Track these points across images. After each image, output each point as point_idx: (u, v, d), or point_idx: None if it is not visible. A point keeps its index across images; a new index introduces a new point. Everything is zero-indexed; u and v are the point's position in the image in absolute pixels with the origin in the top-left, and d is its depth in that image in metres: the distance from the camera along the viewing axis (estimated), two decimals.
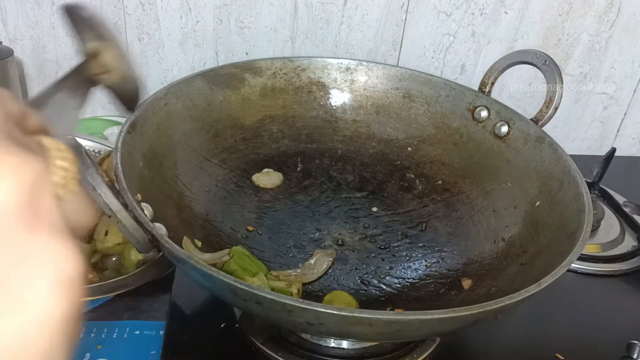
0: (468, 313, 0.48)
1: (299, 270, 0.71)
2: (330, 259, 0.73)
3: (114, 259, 0.73)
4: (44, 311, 0.17)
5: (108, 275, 0.71)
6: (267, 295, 0.46)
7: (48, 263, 0.17)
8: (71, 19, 0.36)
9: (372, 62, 0.91)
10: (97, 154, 0.80)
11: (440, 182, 0.85)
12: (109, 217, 0.52)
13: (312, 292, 0.69)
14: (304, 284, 0.70)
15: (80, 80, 0.47)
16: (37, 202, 0.17)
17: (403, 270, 0.74)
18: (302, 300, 0.46)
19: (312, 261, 0.72)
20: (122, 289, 0.69)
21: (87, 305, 0.66)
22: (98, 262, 0.72)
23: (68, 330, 0.18)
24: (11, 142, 0.18)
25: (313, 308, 0.45)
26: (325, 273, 0.72)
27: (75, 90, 0.43)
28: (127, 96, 0.58)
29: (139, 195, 0.60)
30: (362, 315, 0.45)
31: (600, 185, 1.00)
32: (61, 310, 0.18)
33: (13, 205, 0.17)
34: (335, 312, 0.45)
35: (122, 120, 0.77)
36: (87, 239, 0.70)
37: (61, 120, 0.38)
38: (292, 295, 0.65)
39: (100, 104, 1.00)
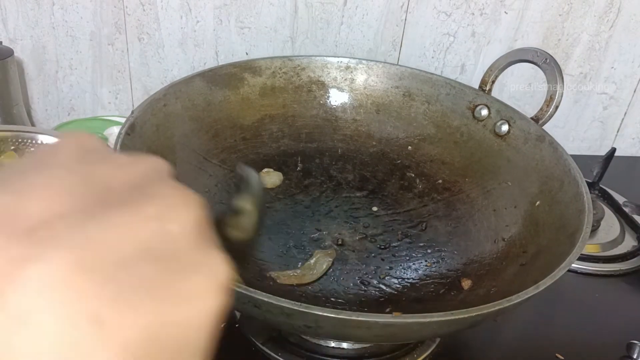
0: (466, 316, 0.48)
1: (298, 271, 0.71)
2: (330, 259, 0.73)
3: None
4: (203, 305, 0.21)
5: None
6: (265, 299, 0.46)
7: (209, 267, 0.22)
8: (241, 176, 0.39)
9: (372, 60, 0.91)
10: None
11: (440, 181, 0.85)
12: None
13: (312, 293, 0.69)
14: (304, 285, 0.70)
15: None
16: (204, 228, 0.23)
17: (403, 270, 0.74)
18: (300, 303, 0.46)
19: (312, 261, 0.72)
20: None
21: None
22: None
23: (214, 330, 0.22)
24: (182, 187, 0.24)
25: (311, 312, 0.45)
26: (325, 274, 0.72)
27: None
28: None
29: None
30: (360, 318, 0.45)
31: (600, 185, 1.00)
32: (215, 307, 0.22)
33: (193, 228, 0.22)
34: (333, 315, 0.45)
35: (122, 120, 0.77)
36: None
37: None
38: None
39: (99, 104, 1.00)
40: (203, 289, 0.21)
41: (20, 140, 0.74)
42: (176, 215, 0.22)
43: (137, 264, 0.19)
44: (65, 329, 0.17)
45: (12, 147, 0.72)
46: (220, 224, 0.48)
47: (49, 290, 0.17)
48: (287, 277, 0.70)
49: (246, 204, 0.35)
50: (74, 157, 0.23)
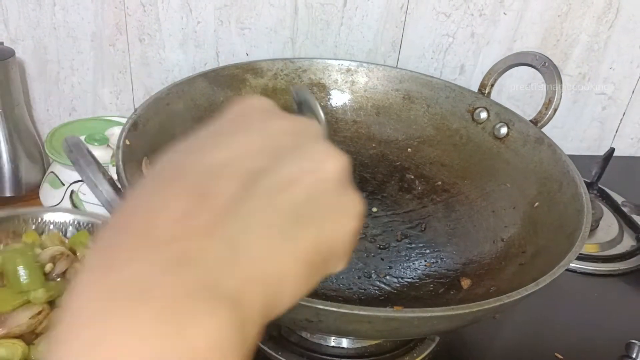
0: (467, 311, 0.48)
1: None
2: None
3: None
4: (348, 226, 0.29)
5: None
6: None
7: (351, 202, 0.30)
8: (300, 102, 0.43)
9: (372, 63, 0.91)
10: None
11: (439, 182, 0.85)
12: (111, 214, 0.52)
13: (312, 291, 0.69)
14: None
15: None
16: (346, 175, 0.30)
17: (402, 270, 0.74)
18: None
19: None
20: None
21: None
22: None
23: (353, 242, 0.30)
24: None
25: (312, 305, 0.46)
26: None
27: None
28: None
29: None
30: (361, 312, 0.46)
31: (599, 185, 1.01)
32: (355, 227, 0.30)
33: (338, 176, 0.29)
34: (334, 309, 0.46)
35: (123, 120, 0.77)
36: None
37: None
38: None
39: (100, 105, 1.00)
40: (348, 217, 0.29)
41: (39, 219, 0.75)
42: (325, 168, 0.29)
43: (306, 204, 0.27)
44: (267, 245, 0.25)
45: (33, 227, 0.74)
46: None
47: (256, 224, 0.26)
48: None
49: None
50: (258, 119, 0.31)
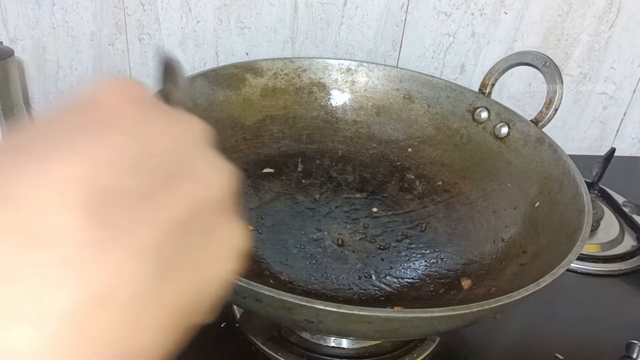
0: (467, 311, 0.48)
1: None
2: None
3: None
4: (217, 270, 0.23)
5: None
6: (267, 292, 0.46)
7: (229, 235, 0.24)
8: (161, 65, 0.38)
9: (372, 63, 0.91)
10: None
11: (440, 182, 0.85)
12: None
13: (312, 291, 0.69)
14: (307, 286, 0.70)
15: None
16: (229, 197, 0.25)
17: (403, 270, 0.74)
18: (301, 297, 0.46)
19: None
20: None
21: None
22: None
23: (222, 294, 0.24)
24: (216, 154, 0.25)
25: (312, 305, 0.46)
26: None
27: None
28: None
29: None
30: (361, 312, 0.46)
31: (600, 185, 1.01)
32: (227, 273, 0.24)
33: (219, 198, 0.24)
34: (334, 309, 0.45)
35: None
36: None
37: None
38: None
39: None
40: (225, 257, 0.24)
41: None
42: (210, 186, 0.23)
43: (179, 238, 0.21)
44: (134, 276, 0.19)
45: None
46: None
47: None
48: None
49: (173, 93, 0.34)
50: (127, 114, 0.23)
